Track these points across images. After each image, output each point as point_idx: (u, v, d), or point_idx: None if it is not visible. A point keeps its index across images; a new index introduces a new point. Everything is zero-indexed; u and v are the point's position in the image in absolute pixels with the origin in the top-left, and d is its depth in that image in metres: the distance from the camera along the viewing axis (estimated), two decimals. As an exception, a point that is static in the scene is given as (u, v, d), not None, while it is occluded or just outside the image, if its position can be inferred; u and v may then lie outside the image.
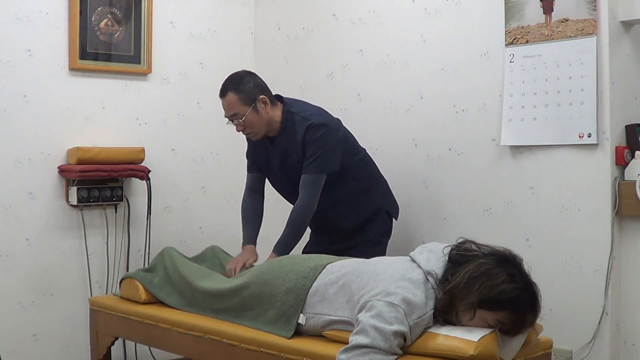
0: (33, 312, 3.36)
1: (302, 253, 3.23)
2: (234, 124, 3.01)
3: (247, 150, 3.24)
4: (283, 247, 2.97)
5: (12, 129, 3.29)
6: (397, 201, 3.37)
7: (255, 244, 3.13)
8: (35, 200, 3.36)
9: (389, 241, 3.35)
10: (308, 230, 3.20)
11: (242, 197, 3.26)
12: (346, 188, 3.08)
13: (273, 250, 2.97)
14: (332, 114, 3.38)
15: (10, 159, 3.30)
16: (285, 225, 3.00)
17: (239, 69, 3.15)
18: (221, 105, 3.01)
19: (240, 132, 3.06)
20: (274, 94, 3.09)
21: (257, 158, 3.19)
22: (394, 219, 3.24)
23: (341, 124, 3.12)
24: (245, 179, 3.27)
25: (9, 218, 3.29)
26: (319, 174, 2.97)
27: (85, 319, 3.31)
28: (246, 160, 3.27)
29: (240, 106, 2.95)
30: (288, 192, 3.18)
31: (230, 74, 3.06)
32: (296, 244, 3.02)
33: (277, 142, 3.07)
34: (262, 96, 2.98)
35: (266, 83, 3.07)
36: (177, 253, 3.05)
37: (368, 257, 2.88)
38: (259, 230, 3.19)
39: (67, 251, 3.47)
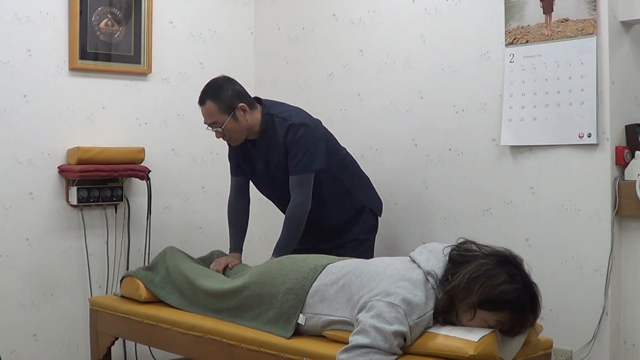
0: (33, 312, 3.36)
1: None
2: (213, 131, 3.02)
3: (229, 153, 3.24)
4: (282, 249, 2.96)
5: (12, 129, 3.29)
6: (397, 201, 3.38)
7: (241, 251, 3.14)
8: (35, 200, 3.36)
9: (389, 242, 3.36)
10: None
11: (227, 200, 3.26)
12: (329, 188, 3.09)
13: (273, 254, 2.96)
14: (332, 114, 3.39)
15: (10, 159, 3.30)
16: (282, 228, 3.00)
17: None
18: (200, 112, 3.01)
19: (220, 139, 3.06)
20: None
21: (240, 162, 3.19)
22: (379, 217, 3.25)
23: (321, 123, 3.13)
24: (230, 183, 3.26)
25: (9, 218, 3.29)
26: (307, 173, 2.97)
27: (85, 319, 3.31)
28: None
29: (219, 115, 2.96)
30: (274, 193, 3.18)
31: (209, 80, 3.05)
32: (295, 244, 3.01)
33: (258, 144, 3.06)
34: (241, 104, 2.97)
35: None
36: (180, 252, 3.05)
37: (357, 255, 2.92)
38: (245, 235, 3.21)
39: (67, 251, 3.47)
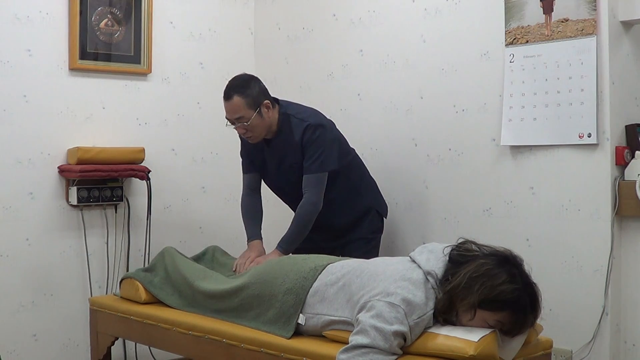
0: (33, 312, 3.36)
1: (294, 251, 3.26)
2: (235, 127, 3.02)
3: (242, 151, 3.25)
4: (287, 243, 2.99)
5: (12, 129, 3.29)
6: (397, 201, 3.38)
7: (260, 238, 3.15)
8: (35, 200, 3.36)
9: (389, 241, 3.36)
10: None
11: (240, 198, 3.27)
12: (339, 188, 3.12)
13: (277, 247, 2.99)
14: (332, 114, 3.39)
15: (10, 159, 3.30)
16: (290, 223, 3.02)
17: (239, 69, 3.17)
18: (223, 107, 3.00)
19: (242, 136, 3.07)
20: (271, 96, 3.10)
21: (253, 159, 3.21)
22: (384, 218, 3.27)
23: (335, 125, 3.15)
24: (242, 180, 3.28)
25: (9, 218, 3.29)
26: (322, 173, 3.00)
27: (85, 319, 3.31)
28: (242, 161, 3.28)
29: (246, 110, 2.96)
30: (285, 192, 3.20)
31: (233, 76, 3.05)
32: (300, 241, 3.03)
33: (273, 144, 3.08)
34: (266, 101, 3.00)
35: (265, 84, 3.08)
36: (178, 253, 3.05)
37: (362, 253, 2.93)
38: (261, 226, 3.21)
39: (67, 251, 3.47)
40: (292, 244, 3.00)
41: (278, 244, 3.00)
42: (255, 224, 3.19)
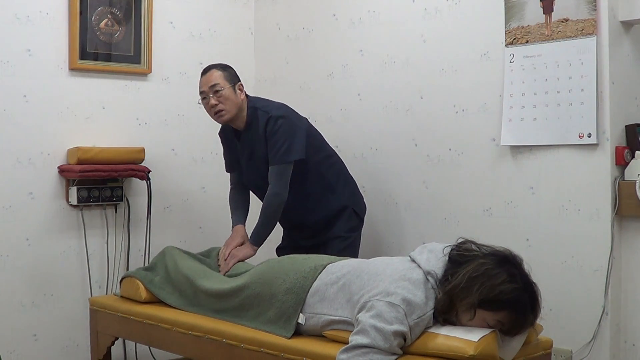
0: (33, 312, 3.36)
1: (276, 249, 3.34)
2: (208, 100, 3.06)
3: (223, 151, 3.34)
4: (256, 236, 3.07)
5: (12, 129, 3.29)
6: (397, 201, 3.38)
7: (244, 224, 3.20)
8: (35, 200, 3.36)
9: (389, 241, 3.36)
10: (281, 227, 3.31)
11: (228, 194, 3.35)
12: (312, 184, 3.16)
13: (249, 239, 3.07)
14: (332, 114, 3.40)
15: (10, 159, 3.30)
16: (258, 216, 3.08)
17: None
18: (199, 84, 3.10)
19: (213, 111, 3.10)
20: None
21: (230, 157, 3.28)
22: (362, 219, 3.29)
23: (306, 120, 3.20)
24: (229, 178, 3.35)
25: (9, 218, 3.28)
26: (285, 164, 3.04)
27: (85, 319, 3.31)
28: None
29: (223, 81, 3.07)
30: (258, 187, 3.23)
31: None
32: (269, 233, 3.10)
33: (243, 137, 3.15)
34: (239, 83, 3.11)
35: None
36: (179, 252, 3.06)
37: (339, 252, 2.99)
38: (246, 214, 3.27)
39: (67, 251, 3.47)
40: (260, 236, 3.07)
41: (249, 237, 3.08)
42: (239, 212, 3.26)
